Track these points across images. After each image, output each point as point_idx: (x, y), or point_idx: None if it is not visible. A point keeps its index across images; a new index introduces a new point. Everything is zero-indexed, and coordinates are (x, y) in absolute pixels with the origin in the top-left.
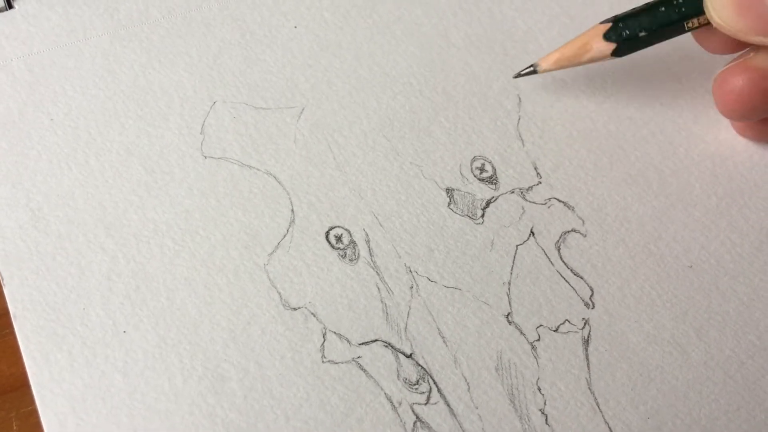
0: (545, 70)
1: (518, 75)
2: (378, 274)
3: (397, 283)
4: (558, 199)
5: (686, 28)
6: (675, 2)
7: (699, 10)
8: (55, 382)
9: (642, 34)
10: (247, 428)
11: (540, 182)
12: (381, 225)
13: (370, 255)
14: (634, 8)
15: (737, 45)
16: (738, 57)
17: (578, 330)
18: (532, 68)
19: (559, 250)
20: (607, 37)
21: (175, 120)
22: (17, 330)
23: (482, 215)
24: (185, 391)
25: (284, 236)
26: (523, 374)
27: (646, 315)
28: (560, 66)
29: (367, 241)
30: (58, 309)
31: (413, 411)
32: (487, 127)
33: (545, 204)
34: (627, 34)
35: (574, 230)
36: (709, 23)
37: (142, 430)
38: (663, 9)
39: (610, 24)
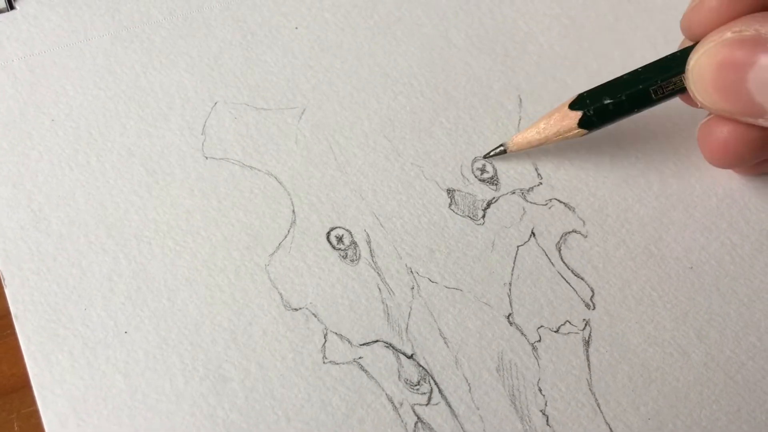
0: (514, 150)
1: (487, 155)
2: (379, 275)
3: (398, 283)
4: (559, 200)
5: (653, 98)
6: (639, 70)
7: (663, 78)
8: (57, 382)
9: (607, 101)
10: (249, 429)
11: (541, 183)
12: (382, 226)
13: (371, 256)
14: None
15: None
16: None
17: (579, 331)
18: (501, 148)
19: (559, 250)
20: (572, 107)
21: (176, 121)
22: (18, 331)
23: (483, 216)
24: (186, 392)
25: (285, 237)
26: (524, 375)
27: (646, 316)
28: (530, 144)
29: (368, 242)
30: (59, 309)
31: (414, 412)
32: (488, 128)
33: (546, 205)
34: (591, 102)
35: (574, 231)
36: (675, 93)
37: (143, 430)
38: (627, 78)
39: (575, 97)
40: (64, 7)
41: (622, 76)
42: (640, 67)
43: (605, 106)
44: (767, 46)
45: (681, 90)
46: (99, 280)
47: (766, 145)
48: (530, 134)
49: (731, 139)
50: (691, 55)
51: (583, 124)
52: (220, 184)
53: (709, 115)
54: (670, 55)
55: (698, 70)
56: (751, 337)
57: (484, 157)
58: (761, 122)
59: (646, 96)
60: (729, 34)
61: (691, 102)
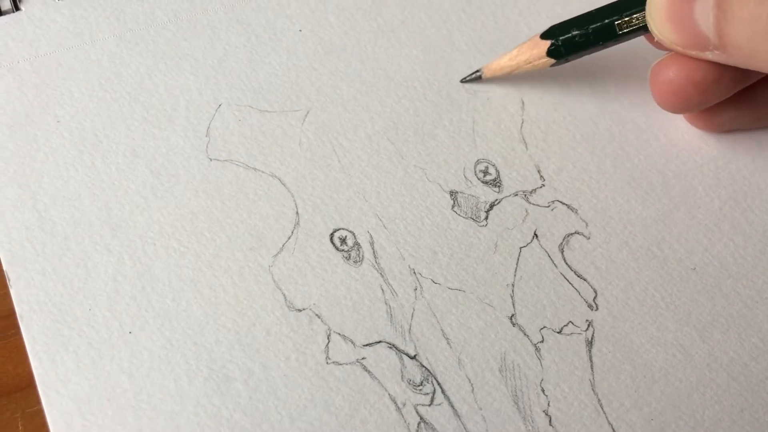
0: (489, 77)
1: (464, 80)
2: (382, 276)
3: (401, 284)
4: (561, 202)
5: (617, 32)
6: (606, 6)
7: (628, 13)
8: (61, 382)
9: (575, 32)
10: (252, 429)
11: (543, 185)
12: (385, 227)
13: (375, 257)
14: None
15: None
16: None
17: (582, 332)
18: (478, 73)
19: (562, 252)
20: (543, 37)
21: (180, 122)
22: (23, 331)
23: (486, 218)
24: (191, 392)
25: (289, 238)
26: (527, 375)
27: (649, 317)
28: (504, 71)
29: (372, 243)
30: (65, 310)
31: (417, 412)
32: (491, 131)
33: (548, 206)
34: (560, 33)
35: (577, 232)
36: (637, 29)
37: (147, 430)
38: (595, 12)
39: (548, 27)
40: (70, 9)
41: (591, 11)
42: (608, 3)
43: (573, 38)
44: None
45: (644, 27)
46: (104, 281)
47: (710, 87)
48: (503, 61)
49: (677, 78)
50: None
51: (551, 53)
52: (224, 186)
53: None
54: None
55: (654, 3)
56: (754, 338)
57: (461, 81)
58: (708, 55)
59: (611, 30)
60: None
61: (654, 43)
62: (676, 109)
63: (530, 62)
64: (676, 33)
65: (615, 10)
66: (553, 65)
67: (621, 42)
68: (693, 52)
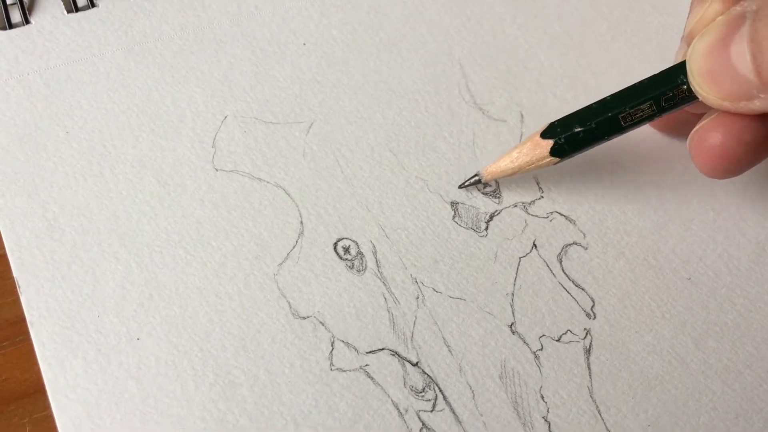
0: (488, 179)
1: (462, 185)
2: (385, 285)
3: (403, 293)
4: (560, 213)
5: (623, 125)
6: (608, 98)
7: (632, 105)
8: (70, 387)
9: (577, 129)
10: None
11: (542, 196)
12: (387, 237)
13: (377, 266)
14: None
15: (685, 125)
16: (710, 113)
17: (580, 340)
18: (476, 177)
19: (561, 262)
20: (544, 136)
21: (187, 133)
22: (33, 337)
23: (486, 228)
24: (197, 397)
25: (293, 247)
26: (527, 382)
27: (646, 326)
28: (504, 173)
29: (374, 253)
30: (74, 316)
31: (419, 418)
32: (491, 143)
33: (547, 217)
34: (562, 131)
35: (575, 243)
36: (645, 120)
37: None
38: (596, 106)
39: (546, 126)
40: (79, 23)
41: (591, 105)
42: (609, 96)
43: (576, 134)
44: (745, 17)
45: (650, 117)
46: (112, 288)
47: (763, 145)
48: (504, 163)
49: (726, 141)
50: (689, 49)
51: (554, 152)
52: (230, 196)
53: (699, 124)
54: (638, 82)
55: (693, 61)
56: (748, 346)
57: (459, 187)
58: (756, 104)
59: (616, 123)
60: (719, 18)
61: (662, 128)
62: (724, 174)
63: (533, 163)
64: (719, 84)
65: (618, 104)
66: (557, 163)
67: (625, 132)
68: (741, 104)
